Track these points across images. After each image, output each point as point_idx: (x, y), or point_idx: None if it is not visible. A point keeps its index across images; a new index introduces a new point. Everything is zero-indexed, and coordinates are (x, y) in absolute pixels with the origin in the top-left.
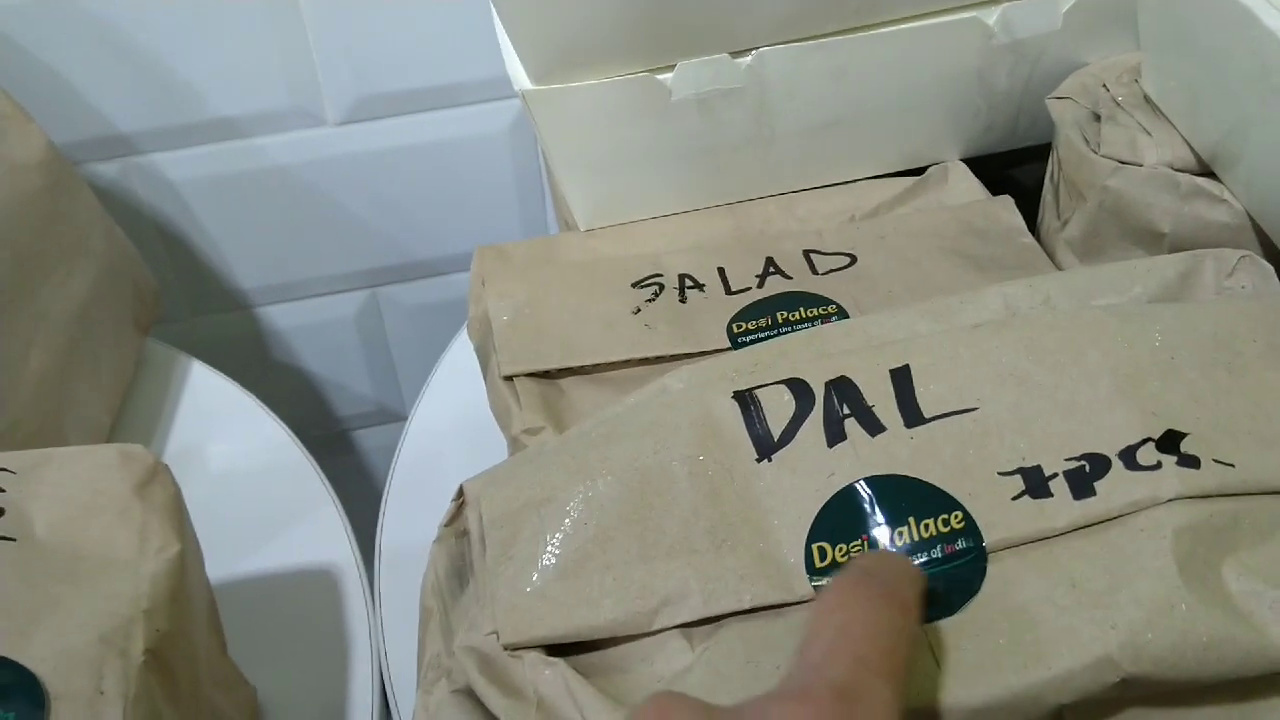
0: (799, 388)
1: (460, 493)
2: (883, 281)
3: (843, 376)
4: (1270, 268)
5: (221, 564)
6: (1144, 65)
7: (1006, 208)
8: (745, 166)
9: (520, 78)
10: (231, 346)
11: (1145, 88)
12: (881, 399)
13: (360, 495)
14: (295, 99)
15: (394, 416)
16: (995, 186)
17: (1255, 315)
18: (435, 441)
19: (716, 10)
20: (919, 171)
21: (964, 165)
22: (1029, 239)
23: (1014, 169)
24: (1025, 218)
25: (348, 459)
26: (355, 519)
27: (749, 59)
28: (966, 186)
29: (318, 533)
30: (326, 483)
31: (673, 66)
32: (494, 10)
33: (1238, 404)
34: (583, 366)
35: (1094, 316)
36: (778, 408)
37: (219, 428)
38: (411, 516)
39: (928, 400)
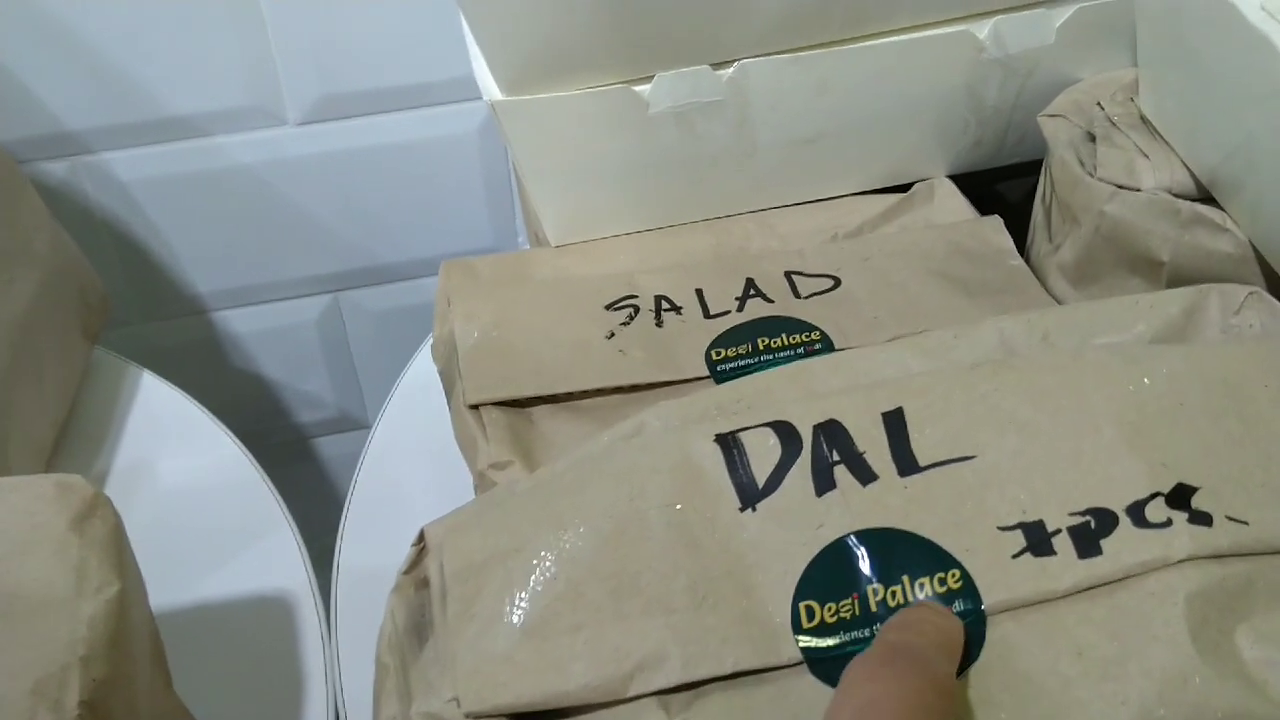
0: (785, 431)
1: (421, 537)
2: (867, 305)
3: (832, 420)
4: (1278, 305)
5: (168, 591)
6: (1141, 83)
7: (995, 229)
8: (725, 181)
9: (490, 87)
10: (187, 353)
11: (1142, 107)
12: (873, 445)
13: (321, 505)
14: (254, 97)
15: (357, 424)
16: (982, 202)
17: (1266, 358)
18: (398, 456)
19: (697, 21)
20: (905, 188)
21: (951, 182)
22: (1018, 261)
23: (1001, 184)
24: (1014, 237)
25: (308, 467)
26: (315, 530)
27: (730, 71)
28: (954, 205)
29: (271, 558)
30: (282, 503)
31: (650, 78)
32: (462, 15)
33: (1250, 456)
34: (554, 395)
35: (1097, 358)
36: (763, 452)
37: (169, 444)
38: (372, 535)
39: (923, 447)
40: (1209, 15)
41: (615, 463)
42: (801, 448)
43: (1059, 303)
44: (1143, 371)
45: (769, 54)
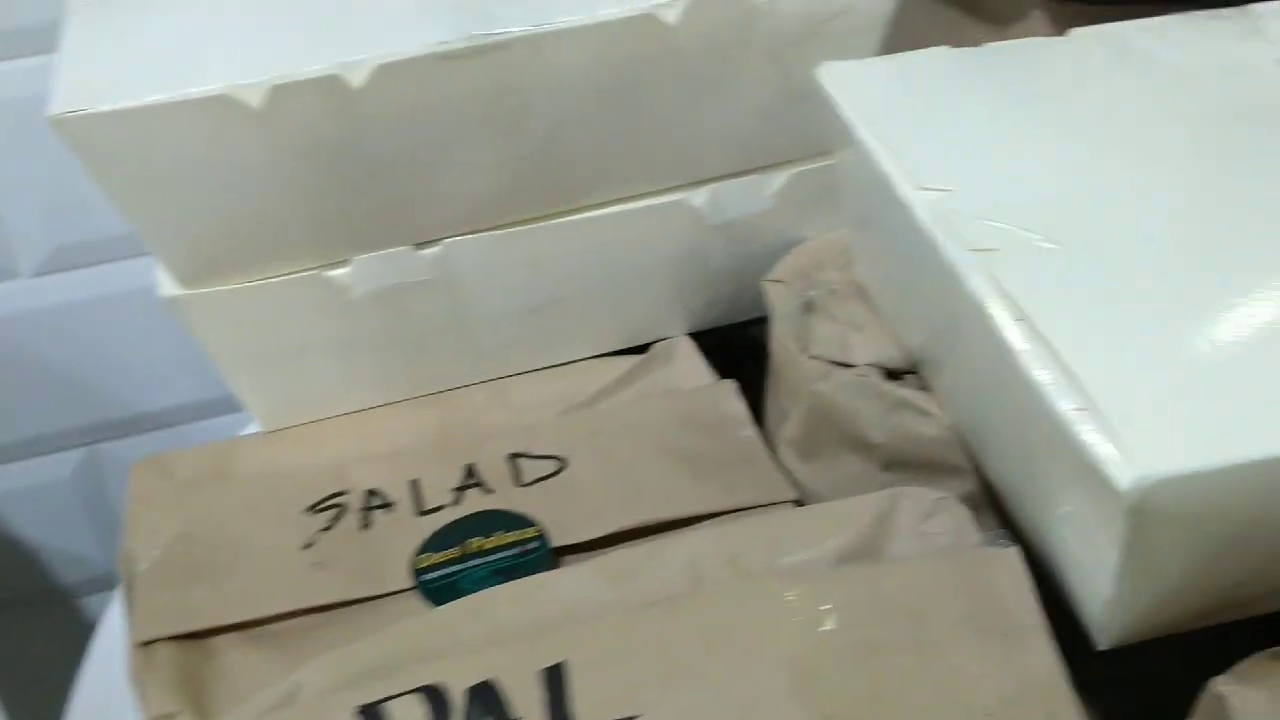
0: (435, 698)
1: None
2: (593, 492)
3: (486, 682)
4: (966, 512)
5: None
6: (853, 251)
7: (728, 396)
8: (445, 356)
9: (163, 282)
10: None
11: (857, 275)
12: (531, 707)
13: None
14: None
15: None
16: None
17: (947, 578)
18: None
19: (390, 204)
20: (647, 347)
21: (690, 342)
22: (750, 431)
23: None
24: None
25: (74, 627)
26: None
27: (436, 250)
28: (691, 367)
29: None
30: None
31: (349, 260)
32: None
33: (925, 693)
34: (242, 622)
35: (778, 591)
36: None
37: None
38: None
39: (584, 707)
40: (881, 198)
41: None
42: (449, 716)
43: (789, 475)
44: (824, 605)
45: (475, 232)
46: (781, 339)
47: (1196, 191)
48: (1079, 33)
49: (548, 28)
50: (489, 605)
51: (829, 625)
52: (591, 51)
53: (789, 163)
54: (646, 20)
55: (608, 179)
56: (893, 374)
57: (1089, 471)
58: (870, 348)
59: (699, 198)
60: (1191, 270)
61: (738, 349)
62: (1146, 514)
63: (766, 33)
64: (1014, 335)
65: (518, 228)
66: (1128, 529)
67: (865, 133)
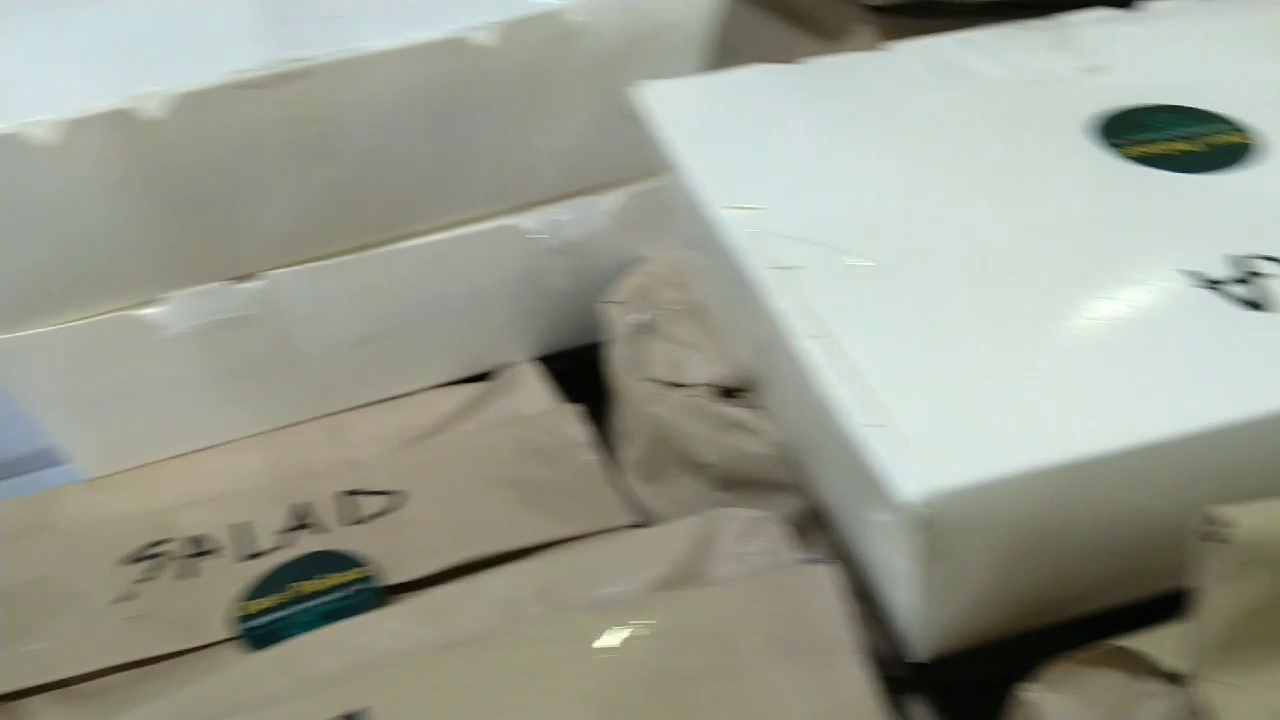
0: None
1: None
2: (427, 527)
3: None
4: (784, 531)
5: None
6: (690, 271)
7: (571, 420)
8: (275, 394)
9: None
10: None
11: (694, 294)
12: None
13: None
14: None
15: None
16: (589, 369)
17: (756, 598)
18: None
19: (203, 239)
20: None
21: (535, 366)
22: (591, 456)
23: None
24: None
25: None
26: None
27: (259, 283)
28: (535, 392)
29: None
30: None
31: (165, 298)
32: None
33: (731, 718)
34: (54, 681)
35: (584, 626)
36: None
37: None
38: None
39: None
40: (696, 218)
41: None
42: None
43: (634, 499)
44: (629, 636)
45: (298, 263)
46: (617, 361)
47: (1004, 203)
48: (898, 46)
49: (353, 53)
50: (299, 654)
51: (635, 656)
52: (402, 76)
53: (624, 182)
54: (459, 43)
55: (434, 204)
56: (730, 392)
57: (882, 486)
58: (704, 367)
59: (532, 220)
60: (993, 284)
61: (593, 371)
62: (936, 526)
63: (585, 52)
64: (814, 352)
65: (343, 257)
66: (921, 541)
67: (678, 152)
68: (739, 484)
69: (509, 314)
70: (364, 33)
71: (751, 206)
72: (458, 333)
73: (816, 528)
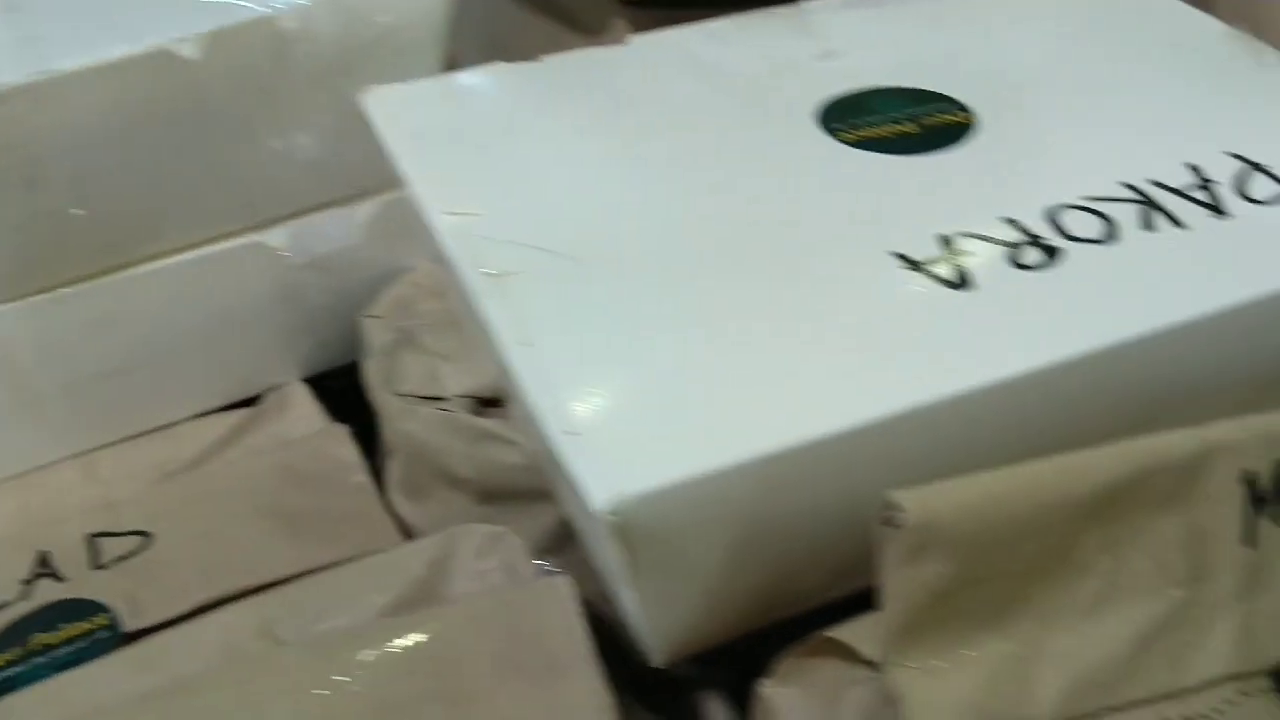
0: None
1: None
2: (179, 567)
3: None
4: (520, 544)
5: None
6: (442, 280)
7: (341, 441)
8: (17, 436)
9: None
10: None
11: (450, 303)
12: None
13: None
14: None
15: None
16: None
17: (486, 617)
18: None
19: None
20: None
21: (304, 388)
22: (361, 478)
23: None
24: None
25: None
26: None
27: None
28: (304, 414)
29: None
30: None
31: None
32: None
33: None
34: None
35: (291, 662)
36: None
37: None
38: None
39: None
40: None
41: None
42: None
43: (400, 522)
44: (340, 669)
45: (19, 298)
46: (371, 377)
47: (726, 197)
48: (640, 40)
49: (47, 75)
50: (12, 711)
51: (352, 689)
52: (102, 95)
53: (377, 190)
54: (163, 56)
55: (165, 226)
56: (489, 403)
57: (581, 493)
58: (461, 379)
59: (278, 236)
60: (701, 279)
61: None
62: (632, 531)
63: (305, 60)
64: (517, 359)
65: (72, 288)
66: (621, 547)
67: (399, 157)
68: (499, 497)
69: (270, 335)
70: (62, 53)
71: (468, 212)
72: (215, 358)
73: (572, 538)
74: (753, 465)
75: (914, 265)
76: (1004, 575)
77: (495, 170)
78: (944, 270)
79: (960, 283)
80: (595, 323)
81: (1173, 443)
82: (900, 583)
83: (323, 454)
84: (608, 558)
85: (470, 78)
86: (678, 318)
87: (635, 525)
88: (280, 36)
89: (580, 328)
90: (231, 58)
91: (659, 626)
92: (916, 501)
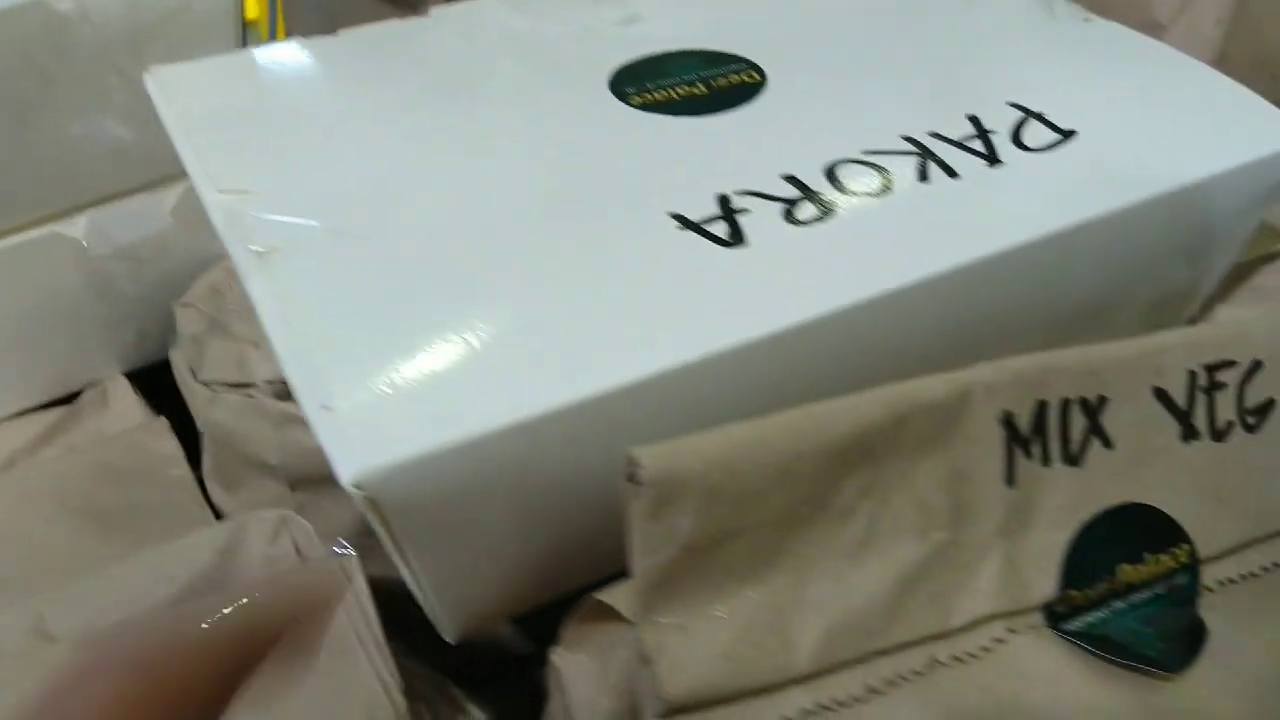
0: None
1: None
2: None
3: None
4: (308, 527)
5: None
6: None
7: (161, 435)
8: None
9: None
10: None
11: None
12: None
13: None
14: None
15: None
16: None
17: (268, 604)
18: None
19: None
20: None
21: (125, 382)
22: (181, 471)
23: None
24: None
25: None
26: None
27: None
28: (125, 409)
29: None
30: None
31: None
32: None
33: None
34: None
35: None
36: None
37: None
38: None
39: None
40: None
41: None
42: None
43: (218, 513)
44: None
45: None
46: (179, 366)
47: (508, 166)
48: (442, 10)
49: None
50: None
51: None
52: None
53: (184, 176)
54: None
55: None
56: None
57: (334, 469)
58: (269, 365)
59: (77, 226)
60: (471, 249)
61: None
62: (384, 505)
63: (88, 42)
64: (278, 335)
65: None
66: (376, 520)
67: (180, 136)
68: (309, 482)
69: (84, 329)
70: None
71: (239, 190)
72: (27, 355)
73: None
74: (512, 431)
75: (689, 225)
76: (759, 526)
77: (278, 148)
78: (718, 229)
79: (732, 241)
80: (359, 295)
81: (930, 385)
82: (646, 539)
83: (141, 448)
84: (379, 533)
85: (262, 54)
86: (445, 287)
87: (387, 498)
88: (52, 21)
89: (343, 301)
90: (1, 44)
91: (444, 601)
92: (656, 456)
